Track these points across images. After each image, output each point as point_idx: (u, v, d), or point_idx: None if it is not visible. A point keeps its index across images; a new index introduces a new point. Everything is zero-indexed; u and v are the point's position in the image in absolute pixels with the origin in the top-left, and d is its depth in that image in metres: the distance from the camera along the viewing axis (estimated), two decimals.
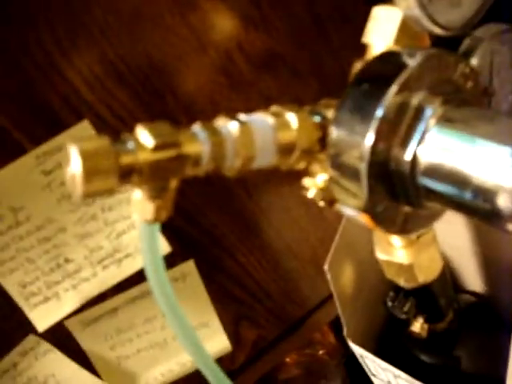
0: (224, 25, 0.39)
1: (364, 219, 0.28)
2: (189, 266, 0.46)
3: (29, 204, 0.38)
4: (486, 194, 0.24)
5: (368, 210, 0.26)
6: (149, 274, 0.27)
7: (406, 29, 0.31)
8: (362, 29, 0.42)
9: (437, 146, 0.25)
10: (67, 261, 0.40)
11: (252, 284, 0.52)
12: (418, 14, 0.29)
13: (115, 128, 0.38)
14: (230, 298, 0.51)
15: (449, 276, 0.46)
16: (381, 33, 0.31)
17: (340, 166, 0.27)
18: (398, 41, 0.31)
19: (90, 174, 0.22)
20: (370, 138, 0.25)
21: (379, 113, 0.25)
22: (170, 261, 0.45)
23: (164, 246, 0.42)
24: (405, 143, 0.26)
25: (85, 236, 0.40)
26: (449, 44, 0.34)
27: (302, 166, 0.29)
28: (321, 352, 0.80)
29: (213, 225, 0.47)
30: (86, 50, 0.36)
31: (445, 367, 0.50)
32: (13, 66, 0.36)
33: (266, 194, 0.48)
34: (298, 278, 0.55)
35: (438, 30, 0.30)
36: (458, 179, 0.25)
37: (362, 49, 0.42)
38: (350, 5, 0.42)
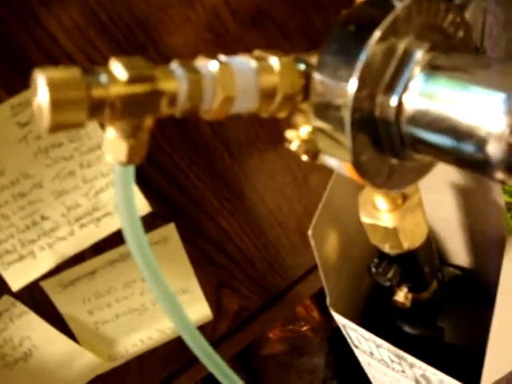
0: None
1: (348, 170, 0.27)
2: (169, 229, 0.45)
3: (3, 157, 0.36)
4: (475, 142, 0.23)
5: (352, 159, 0.25)
6: (123, 219, 0.26)
7: None
8: None
9: (423, 92, 0.24)
10: (43, 218, 0.39)
11: (234, 250, 0.51)
12: None
13: None
14: (211, 263, 0.50)
15: (434, 245, 0.45)
16: None
17: (323, 113, 0.26)
18: None
19: (57, 104, 0.21)
20: (353, 84, 0.24)
21: (363, 56, 0.24)
22: (151, 223, 0.44)
23: (144, 206, 0.41)
24: (390, 89, 0.25)
25: (62, 193, 0.39)
26: None
27: (283, 114, 0.28)
28: (304, 328, 0.80)
29: (195, 187, 0.46)
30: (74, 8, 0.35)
31: (427, 338, 0.50)
32: None
33: (250, 158, 0.47)
34: (282, 247, 0.54)
35: None
36: (445, 126, 0.24)
37: (349, 7, 0.41)
38: None
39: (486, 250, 0.54)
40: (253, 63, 0.26)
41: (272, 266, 0.55)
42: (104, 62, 0.38)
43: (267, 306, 0.57)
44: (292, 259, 0.56)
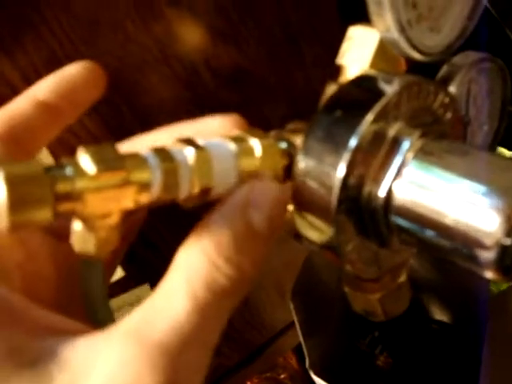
0: (190, 36, 0.36)
1: (329, 257, 0.26)
2: (144, 290, 0.43)
3: None
4: (466, 240, 0.22)
5: (336, 248, 0.24)
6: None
7: (383, 52, 0.29)
8: (335, 48, 0.40)
9: (413, 182, 0.23)
10: None
11: None
12: (396, 37, 0.27)
13: (65, 142, 0.35)
14: None
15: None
16: (356, 54, 0.29)
17: (306, 199, 0.24)
18: (374, 64, 0.29)
19: (17, 203, 0.19)
20: (341, 170, 0.22)
21: (353, 143, 0.22)
22: (125, 285, 0.42)
23: (117, 271, 0.39)
24: (379, 177, 0.23)
25: None
26: (424, 70, 0.32)
27: None
28: (282, 376, 0.78)
29: (169, 247, 0.44)
30: (33, 50, 0.33)
31: None
32: None
33: None
34: (261, 304, 0.52)
35: (416, 55, 0.28)
36: (435, 221, 0.23)
37: (335, 69, 0.40)
38: (323, 22, 0.40)
39: (468, 306, 0.53)
40: (232, 146, 0.24)
41: (249, 323, 0.53)
42: (76, 123, 0.36)
43: (246, 361, 0.55)
44: (270, 315, 0.54)
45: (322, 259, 0.45)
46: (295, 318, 0.43)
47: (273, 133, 0.26)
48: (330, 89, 0.30)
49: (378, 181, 0.23)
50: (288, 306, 0.50)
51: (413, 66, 0.32)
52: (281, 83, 0.41)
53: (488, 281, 0.48)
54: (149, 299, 0.19)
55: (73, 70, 0.25)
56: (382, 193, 0.23)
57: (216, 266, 0.19)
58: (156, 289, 0.19)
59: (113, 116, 0.36)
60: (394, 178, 0.23)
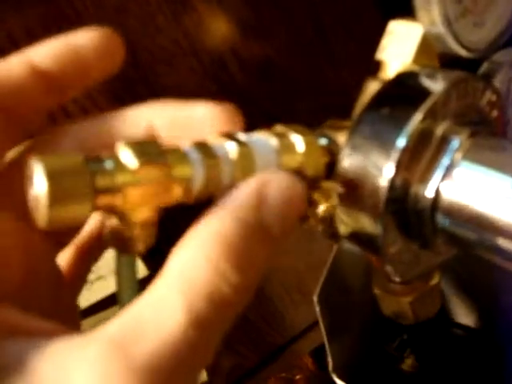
0: (219, 28, 0.36)
1: (372, 259, 0.25)
2: None
3: None
4: None
5: (381, 252, 0.23)
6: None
7: (426, 47, 0.28)
8: (365, 43, 0.39)
9: (463, 184, 0.22)
10: None
11: None
12: (442, 31, 0.26)
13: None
14: None
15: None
16: (397, 49, 0.28)
17: (350, 199, 0.23)
18: (416, 60, 0.28)
19: (57, 197, 0.18)
20: (389, 170, 0.21)
21: (401, 142, 0.21)
22: (147, 285, 0.41)
23: (140, 270, 0.38)
24: (426, 178, 0.22)
25: None
26: (461, 67, 0.31)
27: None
28: (298, 377, 0.77)
29: None
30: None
31: None
32: None
33: None
34: (281, 304, 0.52)
35: (462, 51, 0.27)
36: (483, 224, 0.22)
37: (368, 65, 0.39)
38: (355, 17, 0.39)
39: (495, 310, 0.51)
40: (274, 142, 0.23)
41: (270, 323, 0.52)
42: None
43: (264, 362, 0.54)
44: (291, 316, 0.53)
45: (348, 262, 0.44)
46: (320, 321, 0.42)
47: (312, 129, 0.26)
48: (370, 85, 0.29)
49: (425, 181, 0.22)
50: (309, 308, 0.50)
51: (448, 63, 0.31)
52: (310, 77, 0.40)
53: None
54: (135, 305, 0.16)
55: (82, 36, 0.21)
56: (429, 193, 0.22)
57: (221, 272, 0.16)
58: (144, 294, 0.16)
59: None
60: (443, 179, 0.22)
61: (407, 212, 0.23)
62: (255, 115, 0.40)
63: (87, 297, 0.38)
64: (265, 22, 0.37)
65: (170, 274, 0.16)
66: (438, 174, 0.22)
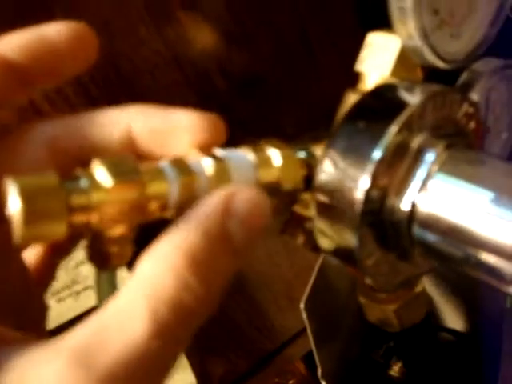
0: (203, 40, 0.36)
1: (350, 270, 0.25)
2: None
3: None
4: (488, 253, 0.21)
5: (358, 264, 0.23)
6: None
7: (404, 59, 0.28)
8: (351, 55, 0.40)
9: (438, 196, 0.22)
10: None
11: (221, 315, 0.48)
12: (419, 44, 0.26)
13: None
14: (197, 330, 0.47)
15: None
16: (376, 61, 0.28)
17: (327, 212, 0.23)
18: (394, 72, 0.28)
19: (32, 217, 0.18)
20: (365, 182, 0.22)
21: (377, 154, 0.22)
22: None
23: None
24: (402, 190, 0.23)
25: None
26: (441, 77, 0.31)
27: (285, 207, 0.25)
28: (291, 382, 0.77)
29: None
30: None
31: None
32: None
33: None
34: (270, 311, 0.52)
35: (438, 63, 0.27)
36: (459, 236, 0.22)
37: (351, 76, 0.39)
38: (340, 28, 0.39)
39: (483, 314, 0.52)
40: (250, 157, 0.23)
41: (260, 330, 0.52)
42: None
43: (254, 369, 0.55)
44: (280, 322, 0.53)
45: (335, 269, 0.44)
46: (308, 328, 0.42)
47: (290, 143, 0.26)
48: (349, 97, 0.29)
49: (401, 193, 0.23)
50: (298, 314, 0.50)
51: (429, 74, 0.31)
52: (295, 90, 0.40)
53: None
54: (100, 313, 0.16)
55: (54, 28, 0.20)
56: (405, 206, 0.23)
57: (185, 282, 0.16)
58: (109, 302, 0.16)
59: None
60: (419, 191, 0.22)
61: (384, 224, 0.23)
62: (238, 127, 0.41)
63: (74, 307, 0.38)
64: (249, 33, 0.37)
65: (134, 284, 0.16)
66: (414, 186, 0.23)
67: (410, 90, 0.24)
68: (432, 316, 0.48)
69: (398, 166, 0.23)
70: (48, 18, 0.31)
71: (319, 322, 0.43)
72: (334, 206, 0.23)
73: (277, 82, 0.39)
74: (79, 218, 0.19)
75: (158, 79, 0.35)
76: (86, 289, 0.38)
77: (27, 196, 0.18)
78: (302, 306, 0.41)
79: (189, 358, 0.48)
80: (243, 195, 0.18)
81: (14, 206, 0.18)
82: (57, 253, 0.24)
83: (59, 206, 0.18)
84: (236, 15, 0.36)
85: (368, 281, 0.24)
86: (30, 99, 0.33)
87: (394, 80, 0.28)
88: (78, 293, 0.38)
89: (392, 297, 0.36)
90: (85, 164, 0.20)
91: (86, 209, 0.19)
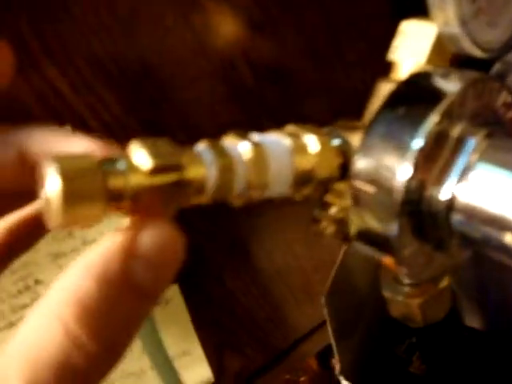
0: (229, 29, 0.35)
1: (386, 261, 0.25)
2: (172, 291, 0.42)
3: None
4: None
5: (396, 254, 0.23)
6: None
7: (438, 47, 0.28)
8: (376, 44, 0.39)
9: (478, 185, 0.22)
10: (37, 282, 0.36)
11: (238, 310, 0.48)
12: (457, 31, 0.26)
13: (101, 137, 0.34)
14: (214, 324, 0.47)
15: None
16: (410, 50, 0.28)
17: (365, 201, 0.23)
18: (430, 60, 0.28)
19: (71, 198, 0.18)
20: (405, 172, 0.21)
21: (417, 143, 0.21)
22: None
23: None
24: (442, 179, 0.22)
25: (59, 255, 0.35)
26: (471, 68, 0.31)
27: (316, 196, 0.25)
28: (302, 379, 0.76)
29: (199, 245, 0.43)
30: (72, 46, 0.32)
31: None
32: None
33: (261, 215, 0.44)
34: (287, 306, 0.51)
35: (476, 51, 0.27)
36: (499, 225, 0.21)
37: (375, 65, 0.38)
38: (366, 18, 0.39)
39: (504, 313, 0.51)
40: (287, 142, 0.23)
41: (276, 325, 0.52)
42: (110, 118, 0.35)
43: (269, 365, 0.54)
44: (296, 318, 0.52)
45: (355, 263, 0.43)
46: (328, 323, 0.41)
47: (325, 129, 0.25)
48: (382, 86, 0.28)
49: (440, 183, 0.22)
50: (315, 309, 0.49)
51: (459, 63, 0.31)
52: (320, 79, 0.39)
53: None
54: None
55: None
56: (445, 195, 0.22)
57: (72, 337, 0.13)
58: None
59: (151, 111, 0.35)
60: (458, 180, 0.22)
61: (422, 214, 0.23)
62: (264, 116, 0.40)
63: None
64: (275, 22, 0.37)
65: (16, 339, 0.14)
66: (454, 175, 0.22)
67: (447, 77, 0.24)
68: (454, 314, 0.48)
69: (438, 154, 0.22)
70: (78, 8, 0.31)
71: (339, 317, 0.43)
72: (372, 195, 0.22)
73: (302, 71, 0.39)
74: (116, 201, 0.19)
75: (184, 68, 0.35)
76: None
77: (67, 177, 0.18)
78: (322, 300, 0.40)
79: (206, 352, 0.48)
80: (150, 231, 0.16)
81: (54, 187, 0.17)
82: (17, 243, 0.22)
83: (99, 187, 0.18)
84: (262, 4, 0.36)
85: (402, 271, 0.24)
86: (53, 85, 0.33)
87: (428, 67, 0.27)
88: None
89: (417, 291, 0.36)
90: None
91: (124, 191, 0.19)
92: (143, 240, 0.15)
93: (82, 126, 0.34)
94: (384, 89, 0.28)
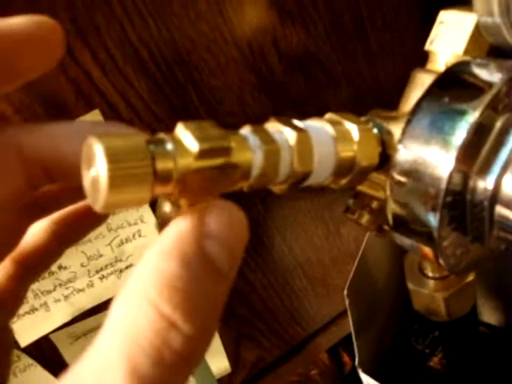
0: (260, 17, 0.35)
1: (424, 252, 0.24)
2: None
3: None
4: None
5: (436, 245, 0.23)
6: None
7: (476, 38, 0.28)
8: (401, 35, 0.39)
9: None
10: (61, 268, 0.36)
11: (258, 302, 0.48)
12: (498, 21, 0.25)
13: (129, 122, 0.34)
14: (233, 315, 0.47)
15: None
16: (449, 39, 0.27)
17: (405, 192, 0.23)
18: (467, 50, 0.27)
19: (117, 180, 0.17)
20: (449, 163, 0.21)
21: (462, 134, 0.21)
22: None
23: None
24: (486, 170, 0.22)
25: (83, 241, 0.35)
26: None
27: (355, 185, 0.25)
28: (313, 372, 0.76)
29: None
30: (105, 30, 0.32)
31: None
32: None
33: (283, 209, 0.44)
34: (306, 298, 0.51)
35: None
36: None
37: (400, 57, 0.38)
38: (392, 10, 0.38)
39: None
40: (330, 129, 0.23)
41: (294, 317, 0.52)
42: (139, 102, 0.35)
43: (285, 357, 0.54)
44: (314, 310, 0.52)
45: (374, 256, 0.43)
46: (350, 315, 0.41)
47: (363, 118, 0.25)
48: (418, 76, 0.28)
49: (484, 174, 0.22)
50: (333, 301, 0.49)
51: (494, 55, 0.30)
52: (348, 69, 0.39)
53: None
54: (78, 365, 0.13)
55: (14, 23, 0.17)
56: (488, 186, 0.22)
57: (169, 321, 0.13)
58: (88, 350, 0.13)
59: (178, 96, 0.35)
60: (502, 171, 0.22)
61: (464, 204, 0.22)
62: (292, 105, 0.40)
63: (116, 286, 0.38)
64: (304, 11, 0.36)
65: (110, 329, 0.13)
66: (497, 167, 0.22)
67: (488, 67, 0.24)
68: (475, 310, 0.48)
69: (482, 145, 0.22)
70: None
71: (360, 310, 0.43)
72: (414, 186, 0.22)
73: (331, 61, 0.38)
74: (163, 183, 0.18)
75: (215, 54, 0.35)
76: (129, 266, 0.38)
77: (114, 157, 0.17)
78: (345, 292, 0.40)
79: (224, 343, 0.48)
80: (218, 211, 0.16)
81: (100, 167, 0.17)
82: (26, 274, 0.21)
83: (145, 169, 0.17)
84: None
85: (441, 261, 0.24)
86: (84, 68, 0.32)
87: (467, 58, 0.27)
88: (121, 271, 0.37)
89: (443, 285, 0.36)
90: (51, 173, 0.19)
91: (171, 174, 0.18)
92: (213, 221, 0.15)
93: (111, 110, 0.34)
94: (420, 79, 0.28)
